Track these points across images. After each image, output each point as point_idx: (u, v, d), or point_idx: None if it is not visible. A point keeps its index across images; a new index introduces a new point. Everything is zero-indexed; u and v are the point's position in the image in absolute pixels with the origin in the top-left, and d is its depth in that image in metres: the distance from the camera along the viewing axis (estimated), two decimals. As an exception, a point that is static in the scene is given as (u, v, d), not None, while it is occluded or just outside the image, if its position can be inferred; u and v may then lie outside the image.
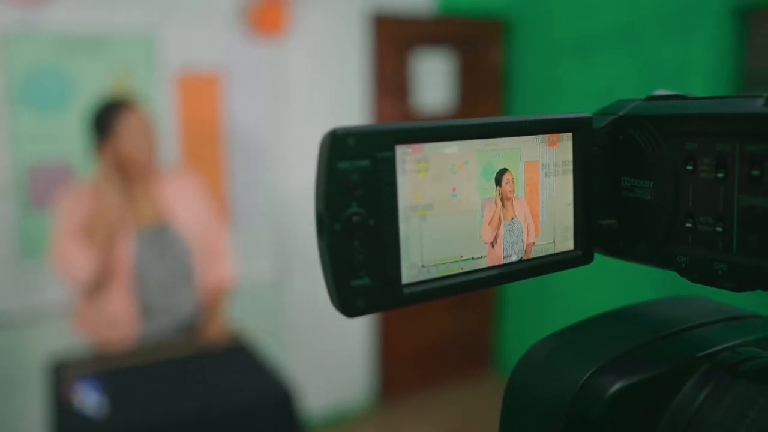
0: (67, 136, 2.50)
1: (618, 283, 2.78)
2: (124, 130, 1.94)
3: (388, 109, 3.21)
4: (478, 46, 3.40)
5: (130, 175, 1.98)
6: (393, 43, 3.17)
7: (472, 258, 0.32)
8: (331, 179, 0.28)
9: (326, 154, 0.28)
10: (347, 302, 0.29)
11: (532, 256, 0.35)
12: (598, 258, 0.38)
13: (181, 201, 2.10)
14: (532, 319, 3.42)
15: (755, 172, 0.29)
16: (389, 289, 0.30)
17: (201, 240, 2.13)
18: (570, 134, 0.35)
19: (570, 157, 0.35)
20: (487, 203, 0.33)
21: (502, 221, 0.33)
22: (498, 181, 0.33)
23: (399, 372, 3.44)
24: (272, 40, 2.83)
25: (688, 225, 0.33)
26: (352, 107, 3.07)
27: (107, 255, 1.94)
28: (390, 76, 3.19)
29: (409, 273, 0.30)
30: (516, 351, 3.55)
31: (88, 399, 1.67)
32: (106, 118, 1.95)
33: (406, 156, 0.30)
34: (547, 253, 0.35)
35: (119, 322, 2.00)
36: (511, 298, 3.59)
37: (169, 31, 2.64)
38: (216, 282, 2.20)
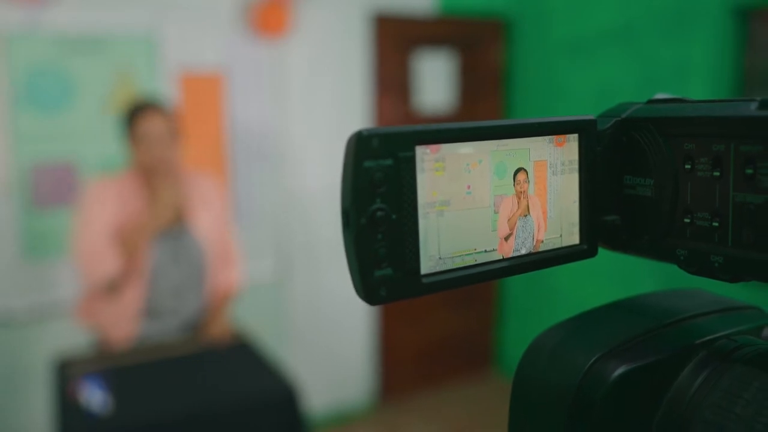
0: (70, 136, 2.52)
1: (618, 285, 2.80)
2: (141, 135, 1.96)
3: (389, 108, 3.22)
4: (479, 46, 3.42)
5: (151, 177, 2.00)
6: (394, 43, 3.19)
7: (485, 251, 0.35)
8: (357, 177, 0.30)
9: (353, 154, 0.30)
10: (371, 291, 0.31)
11: (540, 250, 0.37)
12: (599, 262, 0.40)
13: (201, 204, 2.11)
14: (532, 319, 3.44)
15: (749, 171, 0.31)
16: (409, 279, 0.32)
17: (216, 243, 2.15)
18: (576, 135, 0.38)
19: (576, 156, 0.38)
20: (503, 200, 0.35)
21: (518, 218, 0.36)
22: (515, 180, 0.35)
23: (400, 371, 3.46)
24: (274, 40, 2.84)
25: (687, 220, 0.35)
26: (353, 107, 3.09)
27: (134, 262, 1.96)
28: (391, 76, 3.21)
29: (427, 264, 0.33)
30: (516, 350, 3.57)
31: (94, 397, 1.69)
32: (129, 122, 1.99)
33: (425, 156, 0.32)
34: (555, 247, 0.38)
35: (122, 320, 2.01)
36: (511, 298, 3.61)
37: (172, 32, 2.65)
38: (225, 286, 2.21)
